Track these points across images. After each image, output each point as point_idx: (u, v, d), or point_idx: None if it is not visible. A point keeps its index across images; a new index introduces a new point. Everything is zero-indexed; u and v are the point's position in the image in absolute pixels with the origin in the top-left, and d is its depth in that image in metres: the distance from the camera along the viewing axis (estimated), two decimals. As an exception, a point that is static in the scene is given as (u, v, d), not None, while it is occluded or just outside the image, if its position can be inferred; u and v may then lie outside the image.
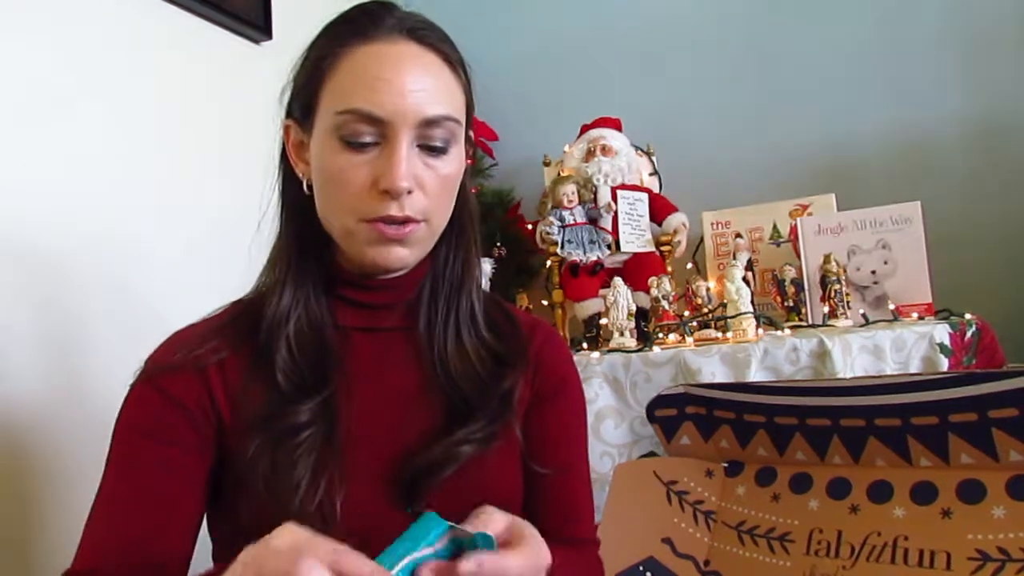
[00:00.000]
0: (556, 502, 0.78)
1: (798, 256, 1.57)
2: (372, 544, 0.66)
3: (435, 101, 0.67)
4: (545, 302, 1.81)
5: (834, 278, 1.46)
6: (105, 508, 0.68)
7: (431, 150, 0.69)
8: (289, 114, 0.74)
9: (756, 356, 1.25)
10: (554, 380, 0.80)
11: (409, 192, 0.67)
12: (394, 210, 0.66)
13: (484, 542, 0.52)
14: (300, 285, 0.73)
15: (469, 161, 0.80)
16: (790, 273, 1.55)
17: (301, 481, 0.63)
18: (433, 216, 0.70)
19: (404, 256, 0.70)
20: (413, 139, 0.67)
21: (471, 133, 0.79)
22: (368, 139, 0.66)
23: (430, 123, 0.67)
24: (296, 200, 0.74)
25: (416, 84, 0.66)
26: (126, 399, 0.70)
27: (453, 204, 0.74)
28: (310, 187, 0.72)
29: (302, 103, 0.72)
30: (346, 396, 0.70)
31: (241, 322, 0.73)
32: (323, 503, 0.63)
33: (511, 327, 0.80)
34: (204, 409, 0.69)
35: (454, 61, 0.72)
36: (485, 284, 1.60)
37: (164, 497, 0.67)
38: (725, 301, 1.41)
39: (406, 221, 0.68)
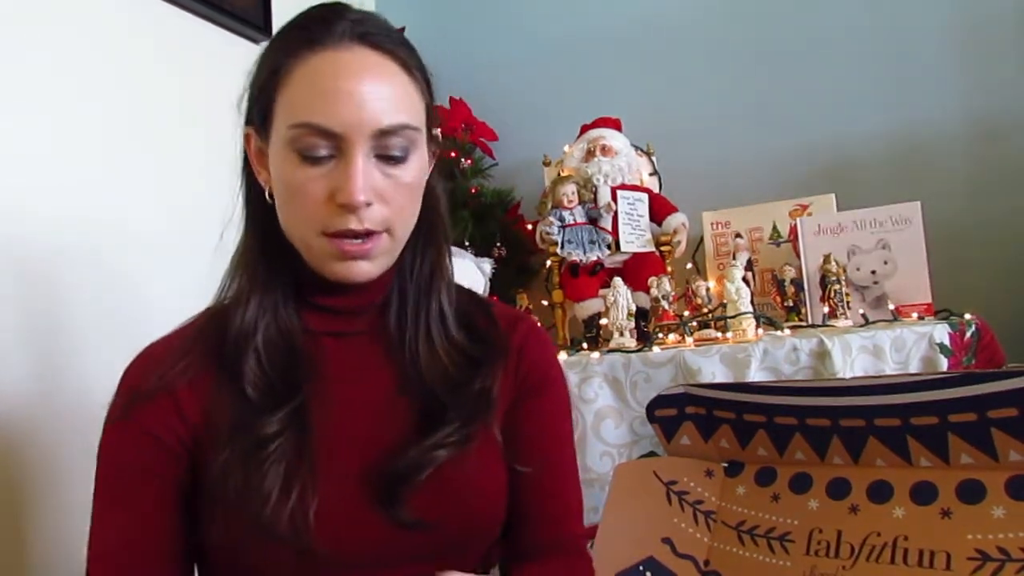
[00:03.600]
0: (543, 500, 0.77)
1: (798, 256, 1.57)
2: (348, 548, 0.65)
3: (392, 110, 0.66)
4: (545, 302, 1.81)
5: (834, 278, 1.45)
6: (98, 544, 0.68)
7: (389, 160, 0.67)
8: (249, 121, 0.73)
9: (756, 356, 1.25)
10: (537, 375, 0.79)
11: (368, 204, 0.65)
12: (353, 223, 0.65)
13: None
14: (267, 293, 0.72)
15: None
16: (790, 273, 1.55)
17: (272, 491, 0.63)
18: (395, 226, 0.69)
19: (368, 270, 0.69)
20: (369, 150, 0.65)
21: (437, 132, 0.77)
22: (324, 152, 0.65)
23: (386, 133, 0.65)
24: (260, 208, 0.73)
25: (371, 94, 0.64)
26: (104, 432, 0.70)
27: (417, 210, 0.73)
28: (271, 196, 0.71)
29: (259, 112, 0.70)
30: (319, 402, 0.70)
31: (209, 334, 0.72)
32: (295, 511, 0.63)
33: (489, 324, 0.79)
34: (179, 436, 0.68)
35: (411, 65, 0.69)
36: (485, 284, 1.60)
37: (152, 529, 0.67)
38: (725, 301, 1.41)
39: (367, 235, 0.66)
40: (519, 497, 0.76)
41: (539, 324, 0.85)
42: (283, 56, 0.67)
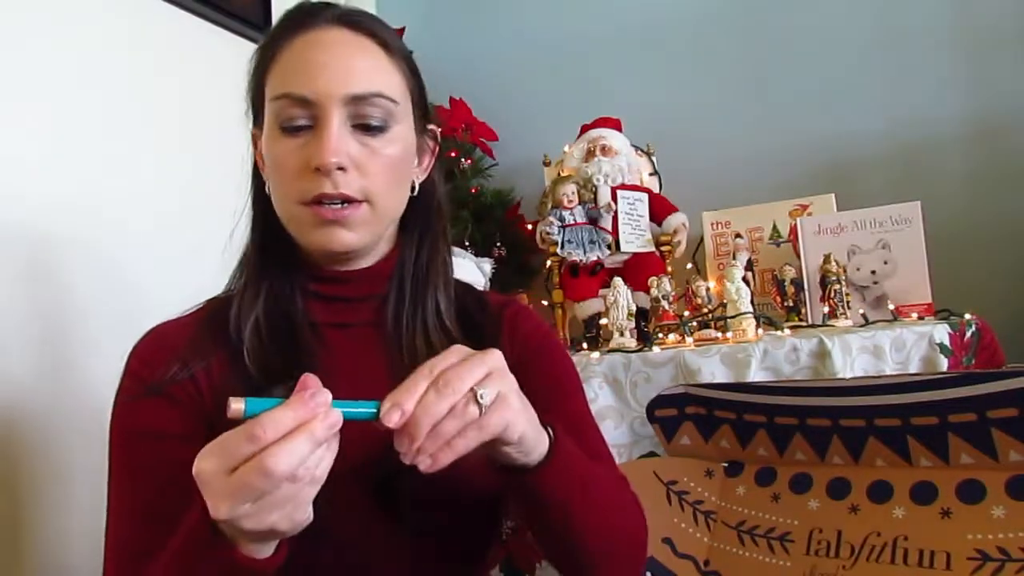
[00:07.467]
0: None
1: (798, 256, 1.57)
2: (342, 528, 0.65)
3: (364, 78, 0.68)
4: (545, 302, 1.81)
5: (834, 278, 1.46)
6: (120, 519, 0.67)
7: (366, 128, 0.69)
8: (253, 123, 0.76)
9: (756, 356, 1.25)
10: (532, 344, 0.80)
11: (342, 169, 0.67)
12: (327, 187, 0.66)
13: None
14: (266, 281, 0.74)
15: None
16: (790, 273, 1.55)
17: None
18: (375, 197, 0.70)
19: (348, 239, 0.69)
20: (345, 117, 0.68)
21: (432, 127, 0.79)
22: (302, 122, 0.67)
23: (359, 100, 0.68)
24: (263, 206, 0.76)
25: (344, 64, 0.68)
26: (116, 402, 0.70)
27: (403, 189, 0.74)
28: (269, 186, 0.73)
29: (254, 107, 0.75)
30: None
31: (216, 318, 0.74)
32: None
33: (483, 316, 0.80)
34: (193, 400, 0.69)
35: (391, 46, 0.72)
36: (485, 284, 1.60)
37: (176, 492, 0.64)
38: (725, 301, 1.41)
39: (344, 201, 0.68)
40: None
41: (527, 304, 0.87)
42: (272, 44, 0.71)
